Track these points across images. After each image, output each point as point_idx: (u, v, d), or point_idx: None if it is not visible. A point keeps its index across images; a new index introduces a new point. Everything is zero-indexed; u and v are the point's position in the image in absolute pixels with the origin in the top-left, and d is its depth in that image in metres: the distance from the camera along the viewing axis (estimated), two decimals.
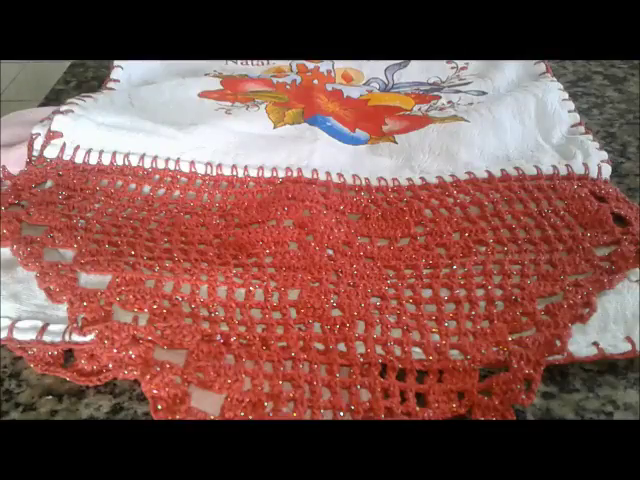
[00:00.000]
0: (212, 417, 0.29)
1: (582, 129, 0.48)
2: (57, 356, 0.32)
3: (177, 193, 0.43)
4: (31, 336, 0.32)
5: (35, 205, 0.40)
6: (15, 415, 0.30)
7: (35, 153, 0.44)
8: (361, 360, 0.31)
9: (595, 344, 0.32)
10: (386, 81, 0.58)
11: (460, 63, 0.59)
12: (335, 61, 0.59)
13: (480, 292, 0.36)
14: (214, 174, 0.45)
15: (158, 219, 0.41)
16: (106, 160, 0.44)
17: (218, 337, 0.32)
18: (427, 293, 0.36)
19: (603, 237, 0.39)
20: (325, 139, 0.48)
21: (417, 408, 0.29)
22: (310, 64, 0.59)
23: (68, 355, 0.33)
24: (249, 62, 0.60)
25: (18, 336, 0.32)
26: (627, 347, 0.32)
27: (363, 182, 0.45)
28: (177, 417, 0.28)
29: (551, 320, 0.33)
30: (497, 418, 0.29)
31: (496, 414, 0.29)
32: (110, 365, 0.31)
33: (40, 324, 0.32)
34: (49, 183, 0.43)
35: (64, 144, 0.45)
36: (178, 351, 0.31)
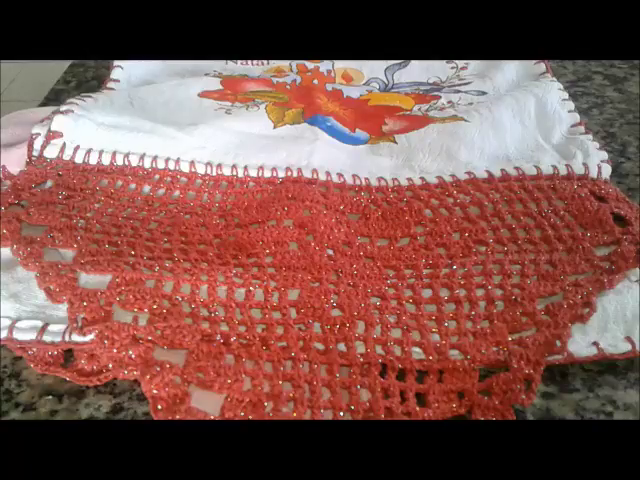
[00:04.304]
0: (212, 417, 0.29)
1: (582, 129, 0.48)
2: (57, 356, 0.32)
3: (177, 193, 0.43)
4: (31, 336, 0.32)
5: (35, 205, 0.40)
6: (15, 415, 0.30)
7: (35, 153, 0.44)
8: (361, 360, 0.31)
9: (595, 344, 0.32)
10: (386, 81, 0.58)
11: (460, 63, 0.59)
12: (335, 61, 0.59)
13: (480, 292, 0.36)
14: (214, 174, 0.45)
15: (158, 219, 0.41)
16: (106, 160, 0.44)
17: (218, 337, 0.32)
18: (427, 293, 0.36)
19: (603, 237, 0.39)
20: (325, 139, 0.48)
21: (417, 408, 0.29)
22: (310, 64, 0.59)
23: (68, 355, 0.33)
24: (249, 62, 0.60)
25: (18, 336, 0.32)
26: (627, 347, 0.32)
27: (363, 182, 0.45)
28: (177, 417, 0.28)
29: (551, 320, 0.33)
30: (497, 418, 0.29)
31: (496, 414, 0.29)
32: (110, 365, 0.31)
33: (40, 324, 0.32)
34: (49, 183, 0.43)
35: (64, 144, 0.45)
36: (178, 351, 0.31)
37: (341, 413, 0.29)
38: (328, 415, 0.29)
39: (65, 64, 0.63)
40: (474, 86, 0.55)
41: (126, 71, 0.56)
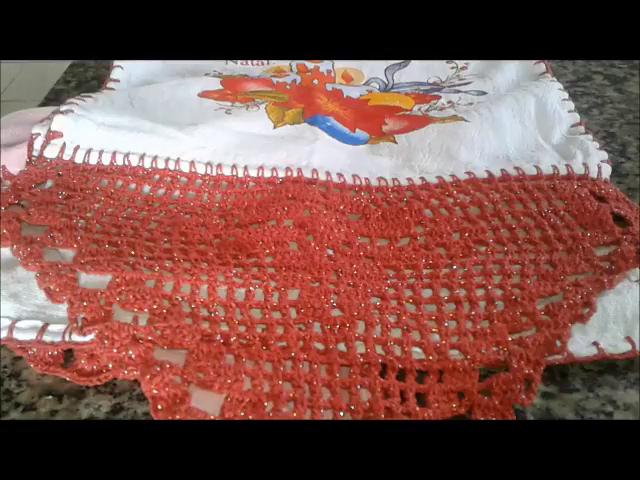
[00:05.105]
0: (212, 417, 0.29)
1: (582, 129, 0.48)
2: (57, 356, 0.32)
3: (177, 193, 0.43)
4: (31, 336, 0.32)
5: (35, 205, 0.40)
6: (15, 415, 0.30)
7: (35, 153, 0.44)
8: (361, 360, 0.31)
9: (595, 344, 0.32)
10: (386, 81, 0.58)
11: (460, 63, 0.59)
12: (335, 61, 0.59)
13: (480, 292, 0.36)
14: (214, 174, 0.45)
15: (158, 219, 0.41)
16: (106, 160, 0.44)
17: (218, 337, 0.32)
18: (427, 293, 0.36)
19: (603, 237, 0.39)
20: (325, 139, 0.48)
21: (417, 408, 0.29)
22: (310, 64, 0.59)
23: (68, 355, 0.33)
24: (249, 62, 0.60)
25: (18, 336, 0.32)
26: (627, 347, 0.32)
27: (363, 182, 0.45)
28: (177, 417, 0.28)
29: (551, 320, 0.33)
30: (497, 418, 0.29)
31: (496, 414, 0.29)
32: (110, 365, 0.31)
33: (40, 324, 0.32)
34: (49, 183, 0.43)
35: (64, 144, 0.45)
36: (178, 351, 0.31)
37: (341, 413, 0.29)
38: (328, 415, 0.29)
39: (65, 64, 0.63)
40: (474, 86, 0.55)
41: (126, 71, 0.56)
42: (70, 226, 0.39)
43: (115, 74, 0.55)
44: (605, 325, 0.33)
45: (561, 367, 0.32)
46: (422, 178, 0.45)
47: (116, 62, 0.56)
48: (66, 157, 0.44)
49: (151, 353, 0.31)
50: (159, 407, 0.29)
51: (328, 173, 0.45)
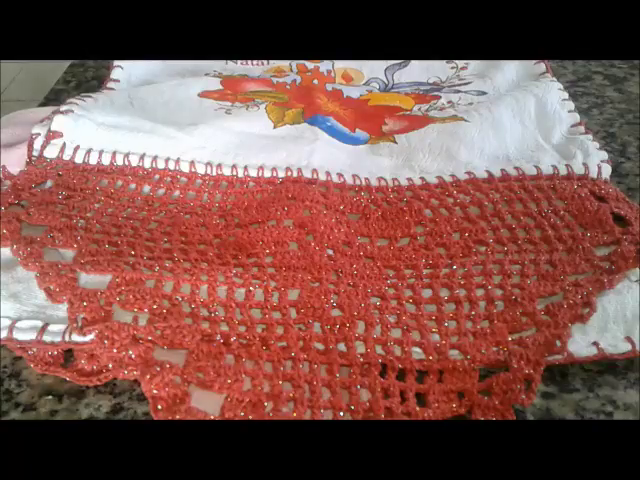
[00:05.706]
0: (212, 417, 0.29)
1: (582, 129, 0.48)
2: (57, 356, 0.32)
3: (177, 193, 0.43)
4: (31, 336, 0.32)
5: (35, 205, 0.40)
6: (15, 415, 0.30)
7: (35, 153, 0.44)
8: (361, 360, 0.31)
9: (595, 344, 0.32)
10: (386, 81, 0.58)
11: (460, 63, 0.59)
12: (335, 61, 0.59)
13: (480, 292, 0.36)
14: (214, 174, 0.45)
15: (158, 219, 0.41)
16: (106, 160, 0.44)
17: (218, 337, 0.32)
18: (427, 293, 0.36)
19: (603, 237, 0.39)
20: (325, 139, 0.48)
21: (417, 408, 0.29)
22: (310, 64, 0.59)
23: (68, 355, 0.33)
24: (249, 62, 0.60)
25: (18, 336, 0.32)
26: (627, 347, 0.32)
27: (363, 182, 0.45)
28: (177, 417, 0.28)
29: (551, 320, 0.33)
30: (497, 418, 0.29)
31: (496, 414, 0.29)
32: (110, 365, 0.31)
33: (40, 324, 0.32)
34: (49, 183, 0.43)
35: (64, 144, 0.45)
36: (178, 351, 0.31)
37: (341, 413, 0.29)
38: (328, 415, 0.29)
39: (65, 64, 0.63)
40: (474, 86, 0.55)
41: (126, 71, 0.56)
42: (70, 226, 0.39)
43: (115, 74, 0.55)
44: (605, 325, 0.33)
45: (561, 367, 0.32)
46: (422, 178, 0.45)
47: (116, 62, 0.56)
48: (66, 157, 0.44)
49: (151, 353, 0.31)
50: (159, 407, 0.29)
51: (328, 173, 0.45)
